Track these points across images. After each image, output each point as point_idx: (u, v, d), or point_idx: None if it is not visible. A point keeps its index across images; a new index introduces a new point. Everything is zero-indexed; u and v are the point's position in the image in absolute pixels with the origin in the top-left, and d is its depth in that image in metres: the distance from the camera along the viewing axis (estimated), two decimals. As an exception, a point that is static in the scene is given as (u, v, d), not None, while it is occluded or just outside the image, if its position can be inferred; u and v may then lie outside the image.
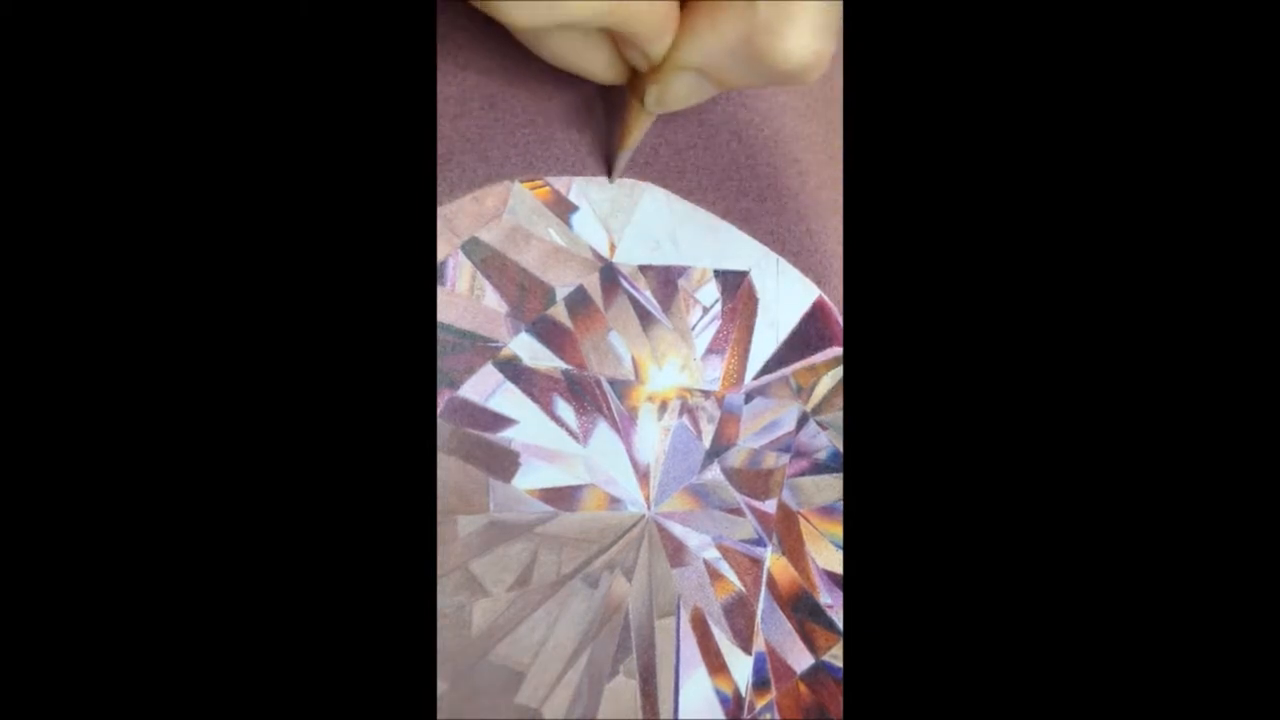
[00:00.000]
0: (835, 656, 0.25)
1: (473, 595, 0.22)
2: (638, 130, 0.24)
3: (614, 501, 0.24)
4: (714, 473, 0.25)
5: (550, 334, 0.24)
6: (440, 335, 0.23)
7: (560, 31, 0.21)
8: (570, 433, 0.24)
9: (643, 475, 0.25)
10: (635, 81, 0.23)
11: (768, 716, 0.24)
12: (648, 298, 0.25)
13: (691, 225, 0.26)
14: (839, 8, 0.20)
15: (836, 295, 0.28)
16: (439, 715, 0.21)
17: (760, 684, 0.24)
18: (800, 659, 0.25)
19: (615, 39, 0.21)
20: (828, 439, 0.27)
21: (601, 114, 0.26)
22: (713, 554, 0.25)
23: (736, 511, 0.25)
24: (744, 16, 0.20)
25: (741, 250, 0.27)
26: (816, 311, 0.27)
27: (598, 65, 0.22)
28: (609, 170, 0.26)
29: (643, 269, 0.25)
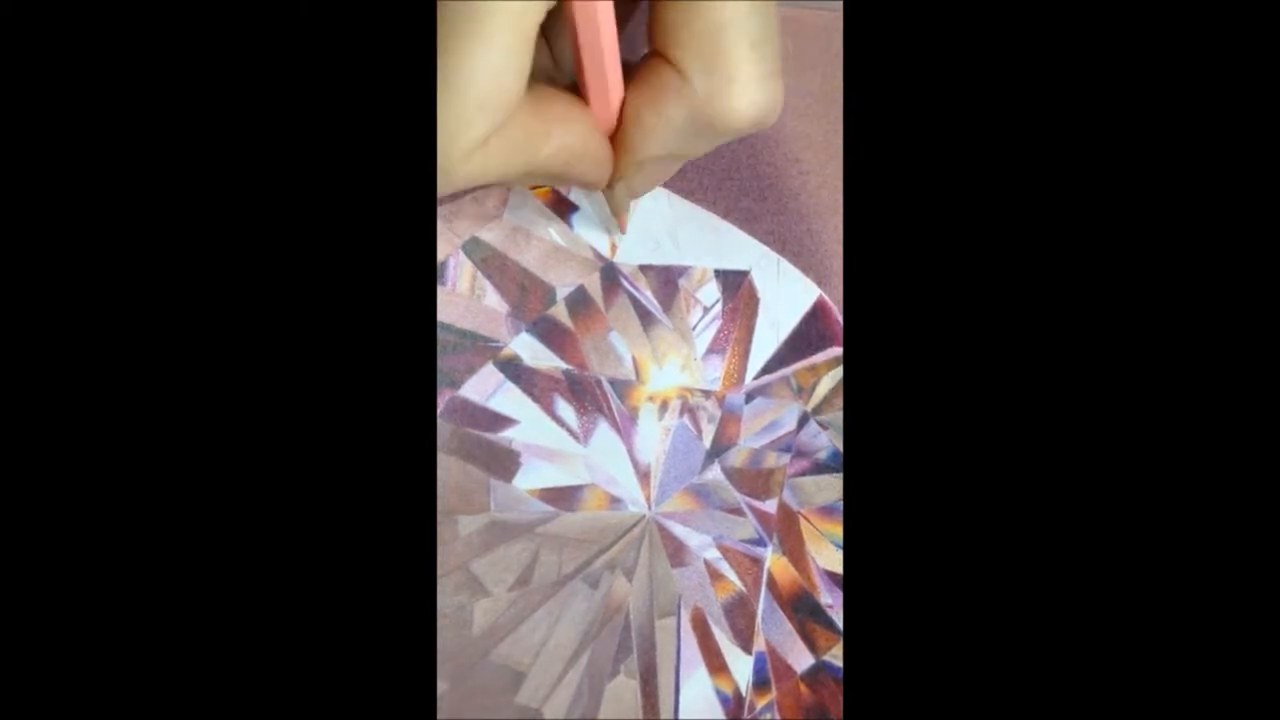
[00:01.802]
0: (835, 656, 0.25)
1: (473, 595, 0.22)
2: (626, 208, 0.24)
3: (614, 501, 0.24)
4: (714, 473, 0.25)
5: (551, 334, 0.24)
6: (440, 335, 0.23)
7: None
8: (571, 433, 0.24)
9: (643, 475, 0.25)
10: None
11: (768, 716, 0.24)
12: (648, 298, 0.25)
13: (692, 225, 0.26)
14: (775, 46, 0.19)
15: (837, 295, 0.28)
16: (439, 715, 0.21)
17: (760, 684, 0.24)
18: (801, 659, 0.25)
19: None
20: (828, 439, 0.26)
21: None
22: (713, 554, 0.25)
23: (737, 511, 0.25)
24: (684, 96, 0.20)
25: (742, 250, 0.27)
26: (817, 311, 0.27)
27: (577, 184, 0.22)
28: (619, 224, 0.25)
29: (643, 269, 0.25)
